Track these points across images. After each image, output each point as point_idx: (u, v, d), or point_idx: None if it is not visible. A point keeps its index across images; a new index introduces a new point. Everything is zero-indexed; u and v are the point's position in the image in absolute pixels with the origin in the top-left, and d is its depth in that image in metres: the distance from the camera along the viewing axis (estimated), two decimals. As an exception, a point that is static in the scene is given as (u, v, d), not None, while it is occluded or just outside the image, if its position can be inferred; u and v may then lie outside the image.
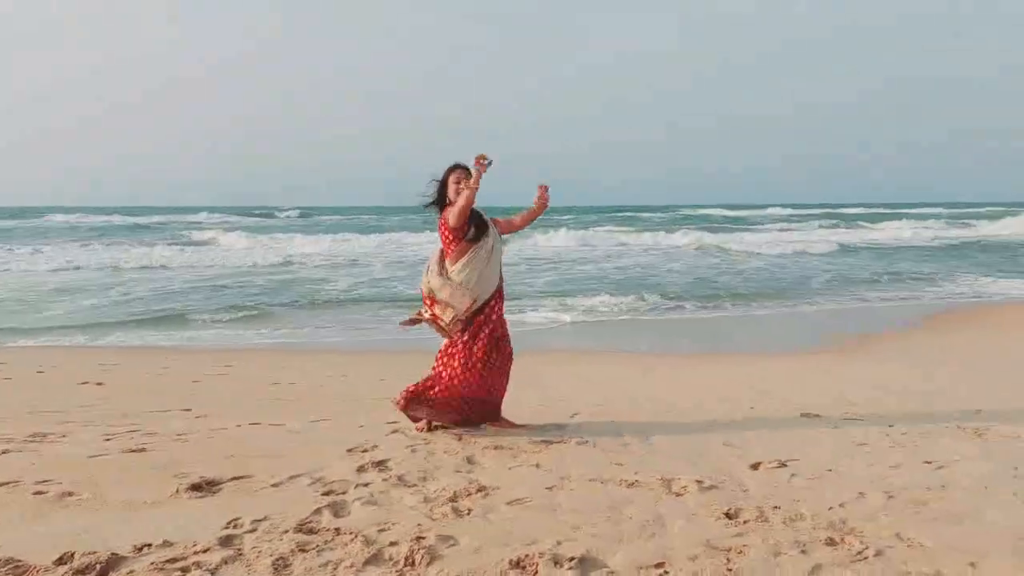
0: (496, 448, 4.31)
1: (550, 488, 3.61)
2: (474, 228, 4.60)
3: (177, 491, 3.53)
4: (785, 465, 3.95)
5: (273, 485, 3.65)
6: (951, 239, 32.49)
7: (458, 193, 4.52)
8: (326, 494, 3.53)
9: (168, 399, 5.81)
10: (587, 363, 8.16)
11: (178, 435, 4.59)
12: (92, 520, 3.16)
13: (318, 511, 3.30)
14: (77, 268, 19.90)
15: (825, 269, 19.56)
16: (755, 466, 3.96)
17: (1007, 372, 7.28)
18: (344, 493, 3.55)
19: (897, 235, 35.19)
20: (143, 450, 4.22)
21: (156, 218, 54.82)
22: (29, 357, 7.98)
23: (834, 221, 48.64)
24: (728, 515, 3.22)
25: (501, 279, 4.75)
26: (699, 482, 3.65)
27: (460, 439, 4.53)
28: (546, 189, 4.71)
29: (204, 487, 3.61)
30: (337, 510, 3.32)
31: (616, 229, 37.52)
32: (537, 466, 3.98)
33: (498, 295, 4.71)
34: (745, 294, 14.70)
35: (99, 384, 6.40)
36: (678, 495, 3.51)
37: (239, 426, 4.87)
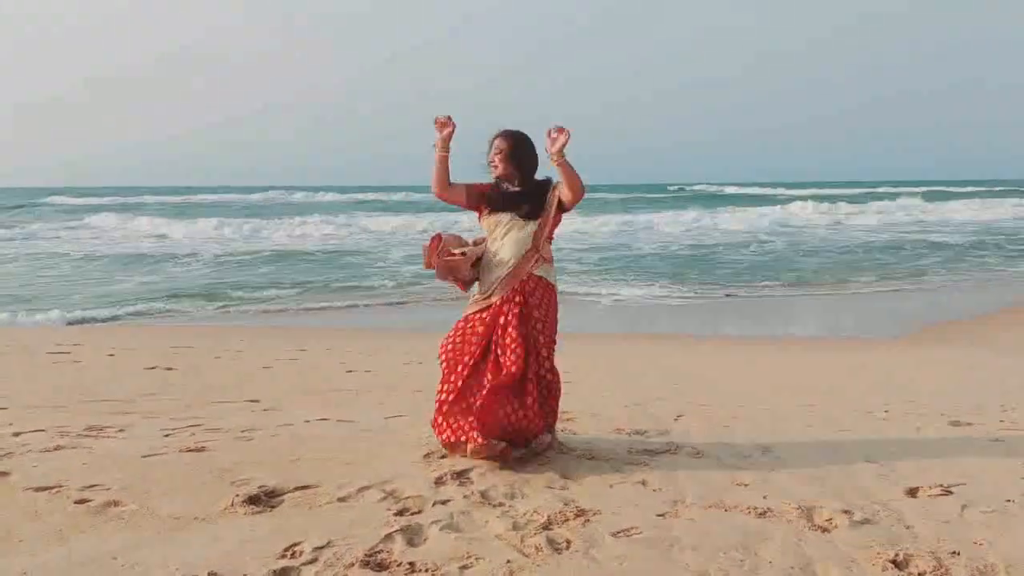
0: (591, 459, 3.73)
1: (662, 515, 3.01)
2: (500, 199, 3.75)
3: (232, 504, 3.08)
4: (950, 492, 3.24)
5: (340, 499, 3.17)
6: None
7: (494, 164, 3.75)
8: (399, 514, 3.02)
9: (236, 387, 5.46)
10: (678, 351, 7.48)
11: (241, 432, 4.19)
12: (131, 539, 2.74)
13: (389, 536, 2.79)
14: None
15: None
16: (912, 492, 3.26)
17: None
18: (419, 513, 3.04)
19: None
20: (202, 449, 3.82)
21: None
22: (104, 338, 7.82)
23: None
24: (896, 563, 2.56)
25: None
26: (847, 513, 2.99)
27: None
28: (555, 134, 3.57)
29: (263, 499, 3.16)
30: (411, 536, 2.81)
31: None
32: (643, 484, 3.38)
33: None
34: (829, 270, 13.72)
35: (168, 369, 6.11)
36: (824, 530, 2.86)
37: (307, 422, 4.44)
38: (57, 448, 3.77)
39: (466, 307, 3.81)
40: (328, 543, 2.73)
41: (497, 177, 3.77)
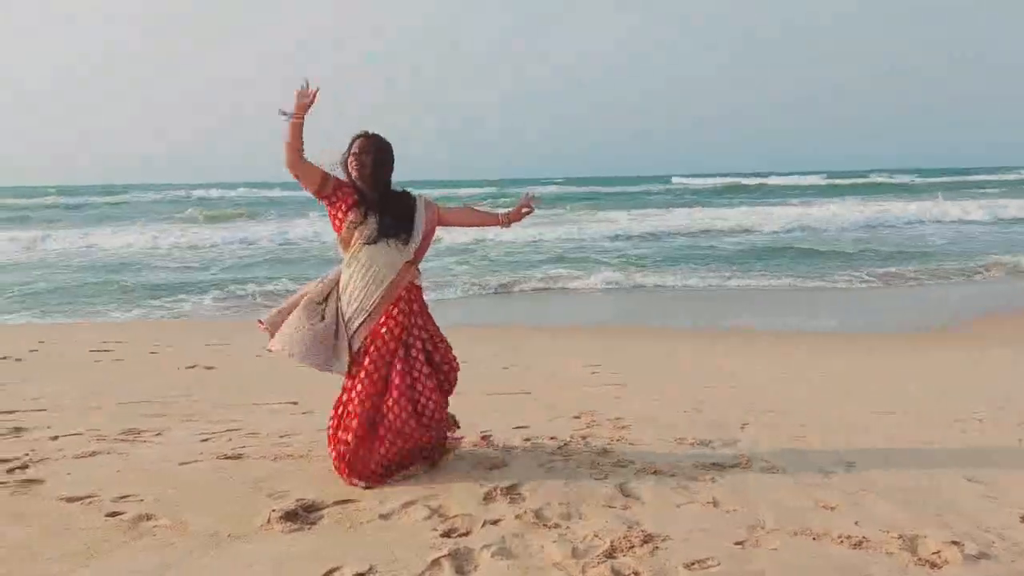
0: (655, 473, 3.43)
1: (740, 544, 2.70)
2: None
3: (268, 520, 2.86)
4: (1071, 520, 2.87)
5: (382, 516, 2.93)
6: None
7: (356, 167, 3.38)
8: (446, 535, 2.77)
9: (276, 388, 5.27)
10: (733, 348, 7.09)
11: (280, 437, 3.98)
12: (160, 561, 2.53)
13: (436, 563, 2.54)
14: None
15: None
16: (1025, 519, 2.89)
17: None
18: (468, 534, 2.78)
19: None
20: (239, 457, 3.62)
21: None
22: (147, 334, 7.74)
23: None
24: (1022, 611, 2.21)
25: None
26: (957, 544, 2.65)
27: (603, 454, 3.69)
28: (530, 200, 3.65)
29: (300, 515, 2.93)
30: (460, 563, 2.56)
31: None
32: (714, 504, 3.07)
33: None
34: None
35: (208, 368, 5.96)
36: (933, 565, 2.53)
37: (349, 427, 4.21)
38: (92, 454, 3.61)
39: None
40: (370, 568, 2.50)
41: (354, 180, 3.40)
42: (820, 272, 13.17)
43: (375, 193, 3.39)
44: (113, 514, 2.90)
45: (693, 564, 2.53)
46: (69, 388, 5.09)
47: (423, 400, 3.39)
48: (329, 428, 3.39)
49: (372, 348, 3.35)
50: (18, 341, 7.05)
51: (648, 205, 32.48)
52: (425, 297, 3.58)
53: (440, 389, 3.49)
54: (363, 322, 3.36)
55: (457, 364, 3.56)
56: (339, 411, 3.38)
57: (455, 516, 2.92)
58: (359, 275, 3.37)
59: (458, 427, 3.71)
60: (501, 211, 3.67)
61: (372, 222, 3.35)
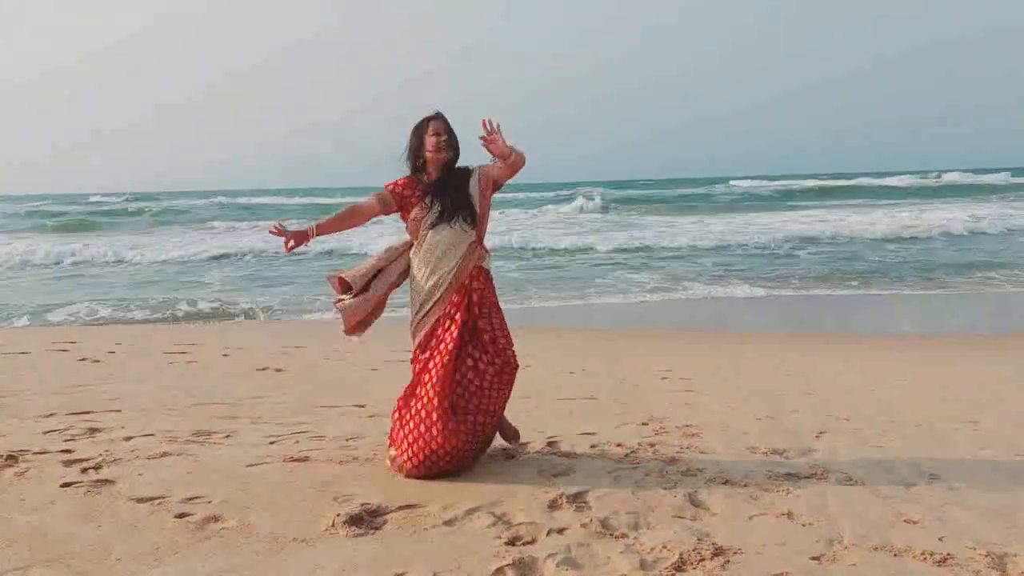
0: (726, 483, 3.31)
1: (817, 559, 2.57)
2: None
3: (333, 524, 2.86)
4: None
5: (446, 523, 2.90)
6: None
7: (438, 150, 3.40)
8: (510, 543, 2.72)
9: (345, 390, 5.32)
10: (806, 353, 6.84)
11: (347, 440, 4.01)
12: (227, 563, 2.55)
13: (500, 571, 2.49)
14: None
15: None
16: None
17: None
18: (533, 543, 2.72)
19: None
20: (306, 459, 3.65)
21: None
22: (221, 336, 7.94)
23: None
24: None
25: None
26: (1050, 565, 2.46)
27: (672, 462, 3.59)
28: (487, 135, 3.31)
29: (365, 519, 2.92)
30: (525, 571, 2.50)
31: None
32: (789, 516, 2.93)
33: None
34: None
35: (278, 370, 6.06)
36: (1024, 587, 2.35)
37: (413, 431, 4.21)
38: (164, 455, 3.69)
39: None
40: (433, 575, 2.46)
41: (435, 164, 3.41)
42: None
43: (441, 174, 3.42)
44: (182, 515, 2.95)
45: (768, 580, 2.42)
46: (143, 389, 5.23)
47: (466, 395, 3.38)
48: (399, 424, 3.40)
49: (439, 333, 3.37)
50: (96, 342, 7.30)
51: (739, 209, 30.74)
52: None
53: (494, 387, 3.44)
54: (431, 308, 3.39)
55: (516, 362, 3.51)
56: (410, 404, 3.40)
57: (520, 524, 2.87)
58: (425, 260, 3.41)
59: (518, 439, 3.67)
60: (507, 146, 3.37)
61: (435, 207, 3.39)
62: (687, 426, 4.27)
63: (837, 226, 20.28)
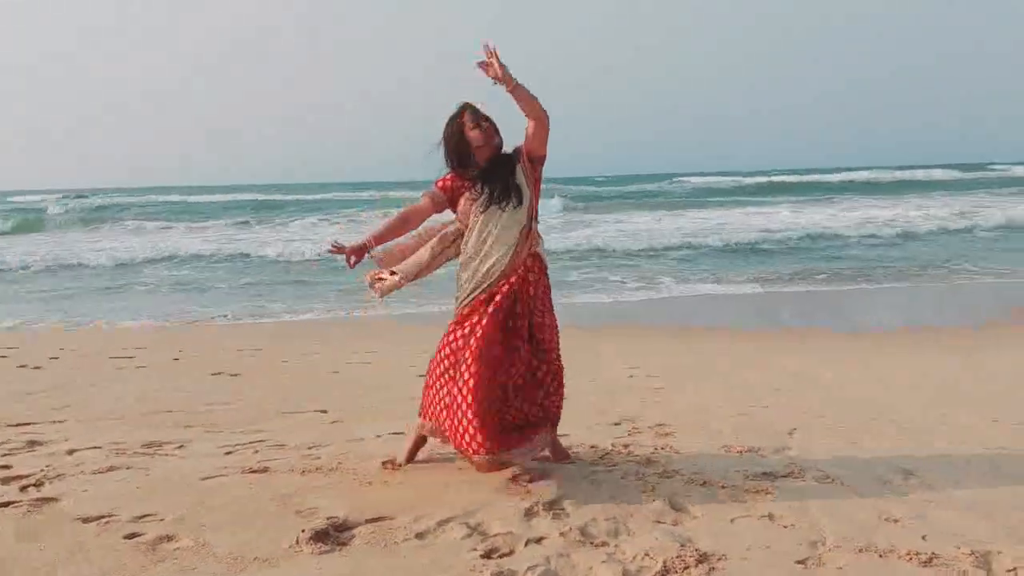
0: (704, 484, 3.22)
1: (802, 562, 2.50)
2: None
3: (297, 541, 2.70)
4: None
5: (418, 535, 2.76)
6: None
7: (487, 139, 3.28)
8: (487, 555, 2.59)
9: (305, 395, 5.13)
10: (777, 350, 6.85)
11: (309, 448, 3.83)
12: (183, 589, 2.37)
13: (477, 587, 2.36)
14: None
15: None
16: (1112, 534, 2.66)
17: None
18: (511, 555, 2.60)
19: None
20: (266, 470, 3.47)
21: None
22: (172, 340, 7.64)
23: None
24: None
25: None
26: (1037, 562, 2.42)
27: (647, 463, 3.50)
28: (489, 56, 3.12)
29: (331, 535, 2.76)
30: (503, 587, 2.37)
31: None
32: (770, 518, 2.86)
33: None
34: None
35: (234, 375, 5.83)
36: (1012, 586, 2.31)
37: (379, 437, 4.05)
38: (111, 469, 3.48)
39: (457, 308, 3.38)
40: (406, 595, 2.32)
41: (486, 154, 3.30)
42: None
43: (487, 163, 3.31)
44: (132, 535, 2.76)
45: (756, 587, 2.33)
46: (89, 398, 4.97)
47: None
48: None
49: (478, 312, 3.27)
50: (37, 348, 6.95)
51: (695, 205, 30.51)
52: None
53: (535, 385, 3.34)
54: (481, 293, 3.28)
55: (561, 365, 3.41)
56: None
57: (496, 534, 2.74)
58: (477, 247, 3.29)
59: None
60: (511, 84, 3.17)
61: (484, 192, 3.28)
62: (660, 425, 4.20)
63: (799, 220, 20.62)
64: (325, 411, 4.67)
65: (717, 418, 4.38)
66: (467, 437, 3.19)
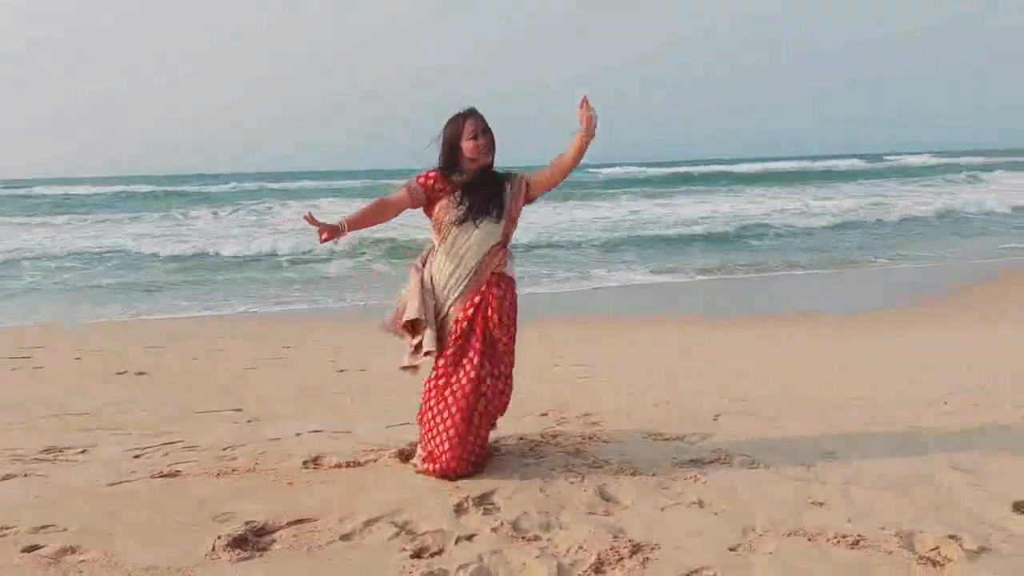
0: (633, 473, 3.22)
1: (734, 549, 2.51)
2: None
3: (214, 548, 2.55)
4: (1066, 507, 2.77)
5: (343, 537, 2.65)
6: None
7: (479, 154, 3.18)
8: (416, 555, 2.51)
9: (218, 394, 4.90)
10: (696, 336, 6.98)
11: (224, 449, 3.64)
12: (89, 606, 2.20)
13: (409, 590, 2.28)
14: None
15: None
16: (1019, 507, 2.78)
17: None
18: (441, 553, 2.52)
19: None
20: (178, 474, 3.28)
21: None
22: (71, 339, 7.19)
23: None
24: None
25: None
26: (955, 539, 2.51)
27: (576, 454, 3.47)
28: (586, 104, 3.11)
29: (250, 540, 2.62)
30: (435, 588, 2.29)
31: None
32: (700, 504, 2.88)
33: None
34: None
35: (140, 374, 5.53)
36: (935, 563, 2.38)
37: (298, 435, 3.89)
38: (7, 477, 3.22)
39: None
40: (334, 601, 2.21)
41: (474, 167, 3.20)
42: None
43: (473, 176, 3.19)
44: (32, 548, 2.54)
45: (690, 575, 2.33)
46: (-19, 402, 4.61)
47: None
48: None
49: (455, 334, 3.19)
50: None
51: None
52: None
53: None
54: (451, 305, 3.20)
55: (510, 386, 3.33)
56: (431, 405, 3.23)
57: (425, 533, 2.66)
58: (447, 258, 3.19)
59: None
60: (572, 139, 3.17)
61: (463, 204, 3.16)
62: (587, 415, 4.18)
63: (718, 210, 21.22)
64: (240, 409, 4.47)
65: (642, 406, 4.40)
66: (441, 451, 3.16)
